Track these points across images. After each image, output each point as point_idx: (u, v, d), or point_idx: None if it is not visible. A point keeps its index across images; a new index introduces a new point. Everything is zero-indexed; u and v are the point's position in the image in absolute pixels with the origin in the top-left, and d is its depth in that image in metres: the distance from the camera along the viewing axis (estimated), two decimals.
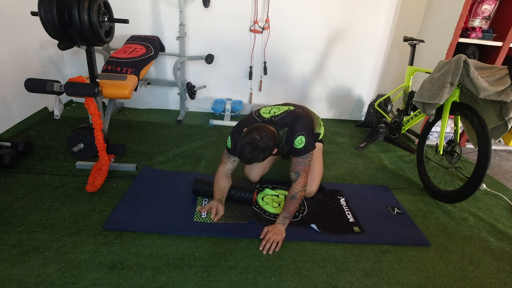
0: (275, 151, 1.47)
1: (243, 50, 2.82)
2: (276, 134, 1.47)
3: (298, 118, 1.53)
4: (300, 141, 1.48)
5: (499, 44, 2.38)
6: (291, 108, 1.63)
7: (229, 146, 1.59)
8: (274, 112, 1.60)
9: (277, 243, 1.41)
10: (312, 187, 1.75)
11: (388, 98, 2.73)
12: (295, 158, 1.52)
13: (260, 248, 1.40)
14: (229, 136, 1.59)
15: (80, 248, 1.32)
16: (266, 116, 1.59)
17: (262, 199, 1.75)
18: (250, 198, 1.64)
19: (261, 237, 1.45)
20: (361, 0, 2.70)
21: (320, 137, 1.83)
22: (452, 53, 2.39)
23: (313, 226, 1.57)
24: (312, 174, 1.74)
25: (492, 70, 1.78)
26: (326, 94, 3.10)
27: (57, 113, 1.62)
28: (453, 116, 2.02)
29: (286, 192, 1.81)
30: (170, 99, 3.00)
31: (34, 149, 2.04)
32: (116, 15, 1.74)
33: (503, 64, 2.44)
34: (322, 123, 1.87)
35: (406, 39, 2.42)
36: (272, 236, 1.43)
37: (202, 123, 2.76)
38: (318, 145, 1.82)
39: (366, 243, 1.52)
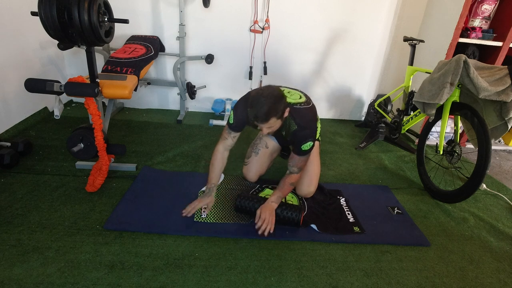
0: (280, 122, 1.39)
1: (243, 50, 2.82)
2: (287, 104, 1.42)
3: (309, 122, 1.53)
4: (308, 146, 1.53)
5: (499, 44, 2.38)
6: (303, 99, 1.59)
7: (231, 122, 1.57)
8: (288, 92, 1.59)
9: (271, 225, 1.44)
10: (311, 187, 1.74)
11: (388, 98, 2.73)
12: (299, 157, 1.56)
13: (256, 227, 1.43)
14: (232, 111, 1.58)
15: (80, 248, 1.32)
16: None
17: None
18: (297, 219, 1.52)
19: (256, 220, 1.46)
20: (361, 0, 2.70)
21: (317, 136, 1.80)
22: (452, 53, 2.39)
23: (313, 226, 1.57)
24: (309, 175, 1.74)
25: (492, 70, 1.78)
26: (326, 94, 3.10)
27: (57, 113, 1.62)
28: (453, 116, 2.03)
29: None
30: (170, 99, 3.00)
31: (34, 149, 2.04)
32: (116, 15, 1.74)
33: (503, 64, 2.44)
34: (318, 119, 1.84)
35: (406, 39, 2.42)
36: (267, 218, 1.44)
37: (202, 123, 2.76)
38: (315, 144, 1.79)
39: (366, 243, 1.52)
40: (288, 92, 1.62)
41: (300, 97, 1.61)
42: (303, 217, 1.56)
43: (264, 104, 1.28)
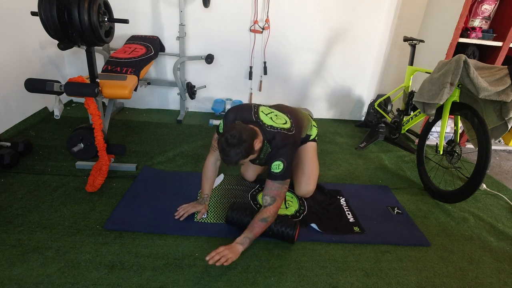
0: (253, 155, 1.40)
1: (243, 50, 2.82)
2: (260, 138, 1.41)
3: (285, 145, 1.45)
4: (277, 167, 1.42)
5: (499, 44, 2.38)
6: (287, 125, 1.54)
7: (221, 130, 1.55)
8: (271, 118, 1.53)
9: (227, 259, 1.24)
10: (309, 186, 1.74)
11: (388, 98, 2.73)
12: (272, 182, 1.43)
13: (207, 258, 1.23)
14: (222, 120, 1.56)
15: (80, 248, 1.32)
16: (263, 118, 1.52)
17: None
18: (292, 235, 1.43)
19: (206, 257, 1.25)
20: (361, 0, 2.70)
21: (312, 136, 1.81)
22: (452, 53, 2.39)
23: (313, 225, 1.57)
24: (307, 174, 1.74)
25: (492, 70, 1.78)
26: (326, 94, 3.10)
27: (57, 113, 1.62)
28: (453, 116, 2.03)
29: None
30: (170, 99, 3.00)
31: (34, 149, 2.04)
32: (116, 15, 1.74)
33: (503, 64, 2.44)
34: (315, 124, 1.85)
35: (406, 39, 2.42)
36: (224, 251, 1.26)
37: (202, 123, 2.76)
38: (312, 144, 1.80)
39: (366, 243, 1.52)
40: (276, 115, 1.57)
41: (285, 123, 1.54)
42: (297, 234, 1.48)
43: (229, 152, 1.30)
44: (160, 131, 2.52)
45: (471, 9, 2.39)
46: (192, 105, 3.05)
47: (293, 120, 1.60)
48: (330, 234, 1.54)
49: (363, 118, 3.17)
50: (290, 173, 1.47)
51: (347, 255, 1.43)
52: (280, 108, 1.69)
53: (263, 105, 1.65)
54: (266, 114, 1.56)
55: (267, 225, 1.39)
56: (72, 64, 2.80)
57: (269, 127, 1.48)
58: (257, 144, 1.37)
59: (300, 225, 1.57)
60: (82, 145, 1.66)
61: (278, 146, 1.45)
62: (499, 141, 2.84)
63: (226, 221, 1.53)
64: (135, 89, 2.03)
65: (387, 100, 2.73)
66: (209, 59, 2.60)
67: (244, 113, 1.53)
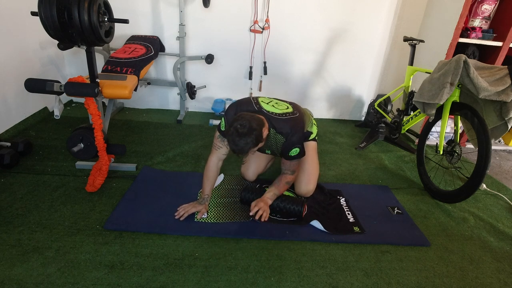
0: (262, 143, 1.41)
1: (243, 50, 2.82)
2: (267, 126, 1.44)
3: (295, 132, 1.52)
4: (295, 151, 1.55)
5: (499, 44, 2.38)
6: (289, 109, 1.60)
7: (223, 128, 1.55)
8: (273, 106, 1.59)
9: (266, 214, 1.49)
10: (309, 186, 1.75)
11: (388, 98, 2.73)
12: (290, 162, 1.60)
13: (251, 214, 1.48)
14: (223, 118, 1.57)
15: (80, 248, 1.32)
16: (265, 107, 1.56)
17: None
18: (299, 211, 1.59)
19: (251, 210, 1.50)
20: (361, 0, 2.70)
21: (313, 136, 1.81)
22: (452, 53, 2.39)
23: (315, 223, 1.57)
24: (308, 174, 1.74)
25: (492, 70, 1.78)
26: (326, 94, 3.10)
27: (57, 113, 1.62)
28: (453, 116, 2.03)
29: (286, 192, 1.81)
30: (170, 99, 3.00)
31: (34, 149, 2.04)
32: (116, 15, 1.74)
33: (503, 64, 2.43)
34: (314, 122, 1.86)
35: (406, 39, 2.42)
36: (263, 206, 1.50)
37: (202, 123, 2.77)
38: (312, 144, 1.81)
39: (366, 243, 1.52)
40: (276, 103, 1.64)
41: (287, 108, 1.61)
42: (305, 210, 1.61)
43: (239, 142, 1.31)
44: (160, 131, 2.52)
45: (471, 9, 2.39)
46: (192, 105, 3.05)
47: (293, 105, 1.67)
48: (330, 234, 1.54)
49: (363, 118, 3.17)
50: (304, 151, 1.59)
51: (347, 255, 1.43)
52: (280, 99, 1.73)
53: (262, 96, 1.68)
54: (267, 103, 1.61)
55: (287, 187, 1.64)
56: (72, 64, 2.80)
57: (273, 114, 1.52)
58: (265, 132, 1.41)
59: (301, 224, 1.57)
60: (82, 145, 1.67)
61: (290, 135, 1.52)
62: (499, 141, 2.84)
63: (241, 201, 1.66)
64: (135, 89, 2.03)
65: (387, 100, 2.73)
66: (209, 59, 2.60)
67: (245, 106, 1.56)
